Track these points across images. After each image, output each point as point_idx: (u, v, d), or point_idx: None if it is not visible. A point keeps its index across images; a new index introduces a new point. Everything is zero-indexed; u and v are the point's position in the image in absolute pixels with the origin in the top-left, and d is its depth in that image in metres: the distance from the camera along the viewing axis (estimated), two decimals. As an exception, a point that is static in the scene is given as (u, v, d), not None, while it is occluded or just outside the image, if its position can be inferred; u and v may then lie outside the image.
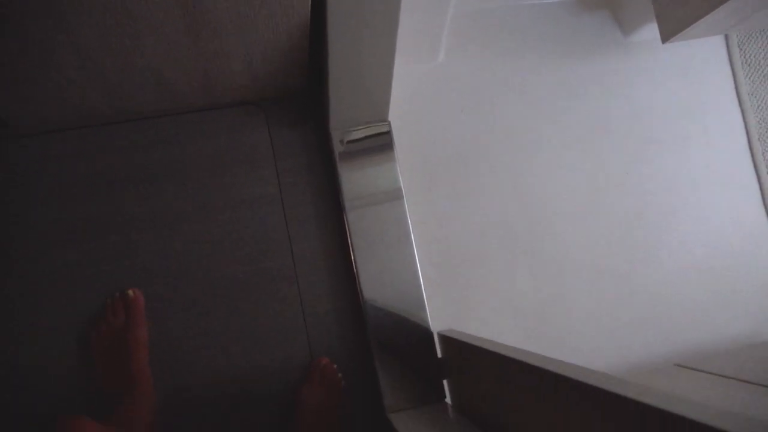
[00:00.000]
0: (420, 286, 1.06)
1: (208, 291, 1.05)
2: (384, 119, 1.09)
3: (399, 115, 1.18)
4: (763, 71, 1.32)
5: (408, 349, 1.05)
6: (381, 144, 1.09)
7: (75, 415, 0.70)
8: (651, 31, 1.27)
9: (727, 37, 1.33)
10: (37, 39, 0.79)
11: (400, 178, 1.08)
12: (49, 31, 0.78)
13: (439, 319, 1.11)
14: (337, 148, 1.07)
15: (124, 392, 0.95)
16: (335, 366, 1.06)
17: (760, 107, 1.31)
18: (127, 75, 0.92)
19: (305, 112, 1.13)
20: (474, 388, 0.90)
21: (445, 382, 1.05)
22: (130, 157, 1.06)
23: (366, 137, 1.09)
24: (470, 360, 0.90)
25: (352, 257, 1.06)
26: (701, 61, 1.32)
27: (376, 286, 1.05)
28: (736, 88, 1.31)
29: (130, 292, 1.00)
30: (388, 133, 1.09)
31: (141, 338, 0.98)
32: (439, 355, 1.06)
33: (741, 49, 1.32)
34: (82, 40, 0.80)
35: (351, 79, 0.95)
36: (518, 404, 0.71)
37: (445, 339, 1.02)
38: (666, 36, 1.11)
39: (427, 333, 1.05)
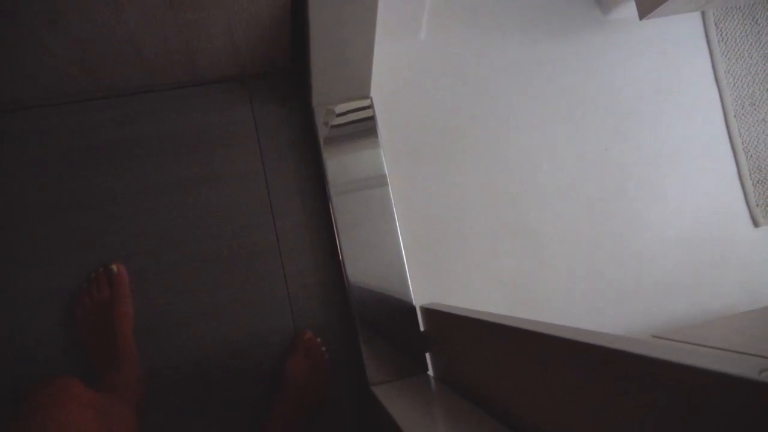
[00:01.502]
0: (403, 261, 1.07)
1: (191, 266, 1.05)
2: (366, 95, 1.09)
3: (381, 94, 1.19)
4: (739, 49, 1.34)
5: (391, 323, 1.06)
6: (365, 129, 1.09)
7: (61, 374, 0.70)
8: (629, 9, 1.28)
9: (703, 15, 1.35)
10: (13, 11, 0.78)
11: (385, 165, 1.09)
12: (27, 3, 0.77)
13: (422, 295, 1.12)
14: (322, 131, 1.08)
15: (110, 368, 0.95)
16: (319, 340, 1.07)
17: (736, 85, 1.33)
18: (107, 48, 0.91)
19: (288, 89, 1.13)
20: (455, 358, 0.91)
21: (427, 355, 1.06)
22: (112, 132, 1.06)
23: (350, 122, 1.09)
24: (452, 330, 0.91)
25: (336, 235, 1.07)
26: (678, 39, 1.34)
27: (359, 262, 1.06)
28: (713, 65, 1.33)
29: (114, 267, 0.99)
30: (372, 118, 1.09)
31: (126, 313, 0.98)
32: (422, 328, 1.07)
33: (717, 27, 1.34)
34: (61, 11, 0.80)
35: (332, 53, 0.95)
36: (500, 369, 0.72)
37: (428, 312, 1.03)
38: (643, 12, 1.13)
39: (409, 307, 1.07)
